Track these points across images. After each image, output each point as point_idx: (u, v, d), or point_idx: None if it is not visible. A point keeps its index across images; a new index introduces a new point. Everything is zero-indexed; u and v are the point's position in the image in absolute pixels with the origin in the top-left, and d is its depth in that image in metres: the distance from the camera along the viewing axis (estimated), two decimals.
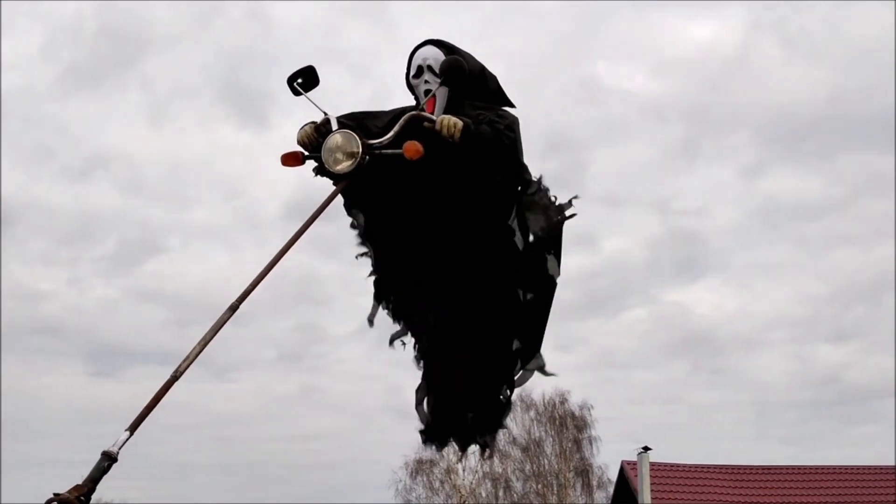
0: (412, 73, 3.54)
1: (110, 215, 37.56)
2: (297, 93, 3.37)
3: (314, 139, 3.31)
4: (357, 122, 3.38)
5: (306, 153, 3.33)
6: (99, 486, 2.24)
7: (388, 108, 3.59)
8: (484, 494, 26.54)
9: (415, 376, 3.75)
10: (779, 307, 37.67)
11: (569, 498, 25.87)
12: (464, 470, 26.55)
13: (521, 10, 38.33)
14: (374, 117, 3.50)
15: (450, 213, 3.43)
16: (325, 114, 3.34)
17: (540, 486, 26.43)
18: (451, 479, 26.52)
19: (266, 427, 37.52)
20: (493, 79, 3.62)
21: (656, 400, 36.55)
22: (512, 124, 3.42)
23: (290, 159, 3.33)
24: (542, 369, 3.68)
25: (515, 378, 3.69)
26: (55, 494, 2.15)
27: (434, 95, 3.41)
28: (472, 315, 3.50)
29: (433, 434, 3.76)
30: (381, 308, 3.74)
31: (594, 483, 26.30)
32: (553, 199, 3.47)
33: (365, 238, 3.66)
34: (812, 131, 39.32)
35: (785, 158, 39.22)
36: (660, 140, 37.75)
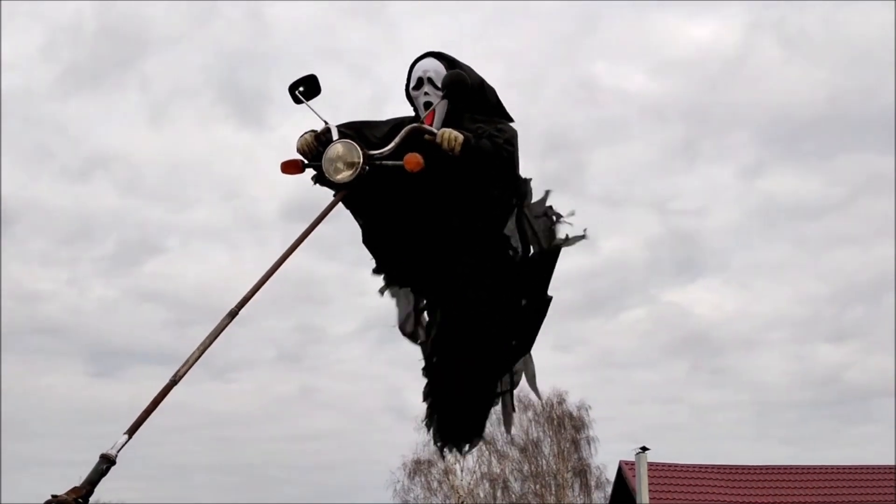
0: (412, 84, 3.55)
1: (110, 215, 37.55)
2: (298, 101, 3.40)
3: (314, 148, 3.33)
4: (355, 131, 3.41)
5: (306, 161, 3.35)
6: (97, 488, 2.26)
7: (385, 114, 3.63)
8: (482, 495, 26.54)
9: (414, 377, 3.82)
10: (778, 307, 37.68)
11: (567, 498, 25.89)
12: (462, 470, 26.59)
13: (521, 10, 38.30)
14: (373, 127, 3.52)
15: (448, 222, 3.46)
16: (326, 123, 3.37)
17: (538, 487, 26.44)
18: (449, 479, 26.53)
19: (266, 427, 37.51)
20: (492, 92, 3.65)
21: (656, 400, 36.55)
22: (511, 138, 3.44)
23: (290, 167, 3.35)
24: (530, 378, 3.80)
25: (513, 376, 3.79)
26: (53, 496, 2.16)
27: (434, 108, 3.43)
28: (473, 323, 3.55)
29: (444, 436, 3.88)
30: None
31: (592, 483, 26.32)
32: (553, 218, 3.58)
33: (365, 245, 3.69)
34: (812, 131, 39.35)
35: (784, 158, 39.26)
36: (659, 140, 37.73)
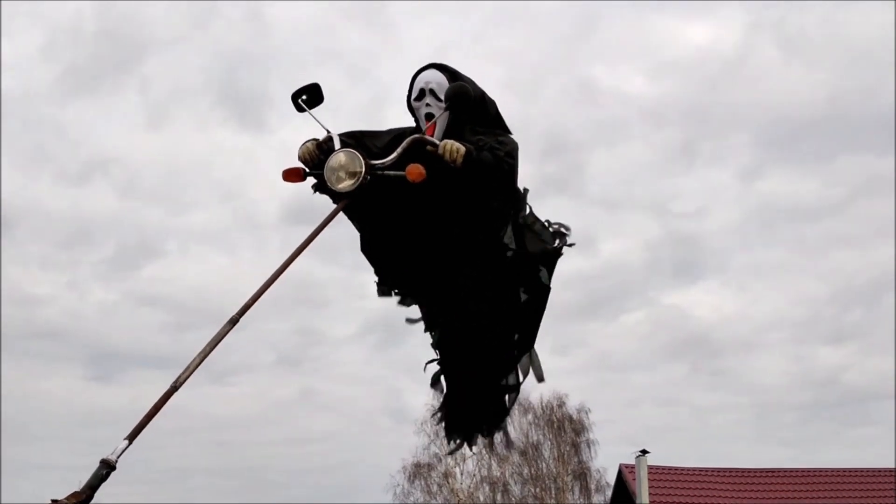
0: (414, 95, 3.57)
1: (109, 218, 37.51)
2: (301, 109, 3.41)
3: (316, 156, 3.35)
4: (356, 140, 3.43)
5: (308, 170, 3.36)
6: (97, 492, 2.26)
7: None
8: (482, 498, 26.53)
9: (413, 379, 3.88)
10: (778, 309, 37.67)
11: (567, 501, 25.89)
12: (462, 474, 26.60)
13: (520, 12, 38.27)
14: (374, 136, 3.54)
15: (449, 232, 3.48)
16: (328, 131, 3.38)
17: (538, 490, 26.43)
18: (448, 482, 26.52)
19: (265, 430, 37.53)
20: (493, 104, 3.67)
21: (655, 402, 36.50)
22: (512, 151, 3.46)
23: (292, 175, 3.36)
24: (538, 373, 3.82)
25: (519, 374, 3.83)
26: (54, 500, 2.17)
27: (435, 120, 3.44)
28: (475, 334, 3.60)
29: (456, 429, 3.94)
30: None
31: (592, 486, 26.32)
32: (546, 225, 3.61)
33: (363, 253, 3.71)
34: (811, 132, 39.30)
35: (784, 160, 39.21)
36: (658, 142, 37.68)
